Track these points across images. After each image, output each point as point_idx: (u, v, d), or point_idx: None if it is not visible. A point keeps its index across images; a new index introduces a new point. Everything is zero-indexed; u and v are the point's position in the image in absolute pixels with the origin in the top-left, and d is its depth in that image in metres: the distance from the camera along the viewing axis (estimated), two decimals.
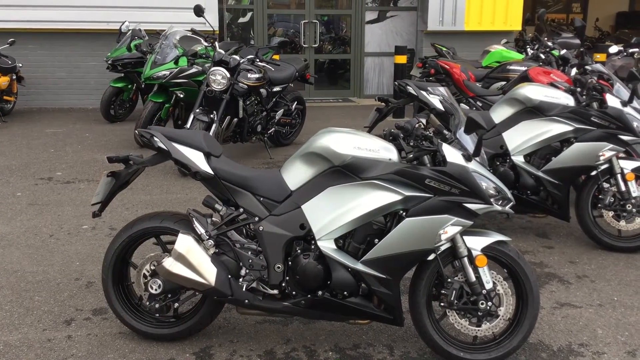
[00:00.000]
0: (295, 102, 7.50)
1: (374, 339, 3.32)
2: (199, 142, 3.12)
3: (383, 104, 5.30)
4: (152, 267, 3.19)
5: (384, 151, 2.95)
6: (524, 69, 6.46)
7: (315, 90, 11.57)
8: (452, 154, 2.92)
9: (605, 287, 3.98)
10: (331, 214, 2.95)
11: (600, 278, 4.10)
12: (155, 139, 3.10)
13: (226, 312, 3.55)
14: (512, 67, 6.72)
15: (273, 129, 7.16)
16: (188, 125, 6.13)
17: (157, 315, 3.26)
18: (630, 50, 9.27)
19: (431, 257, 2.98)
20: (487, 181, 2.97)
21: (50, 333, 3.36)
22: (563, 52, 6.69)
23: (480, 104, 6.22)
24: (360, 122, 8.81)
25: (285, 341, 3.30)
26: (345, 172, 2.94)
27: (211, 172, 3.07)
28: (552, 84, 4.90)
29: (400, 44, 10.56)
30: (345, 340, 3.31)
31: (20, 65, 9.33)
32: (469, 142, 3.01)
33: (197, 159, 3.09)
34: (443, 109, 4.31)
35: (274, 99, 7.07)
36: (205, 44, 6.75)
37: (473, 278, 2.97)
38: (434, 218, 2.88)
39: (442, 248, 2.98)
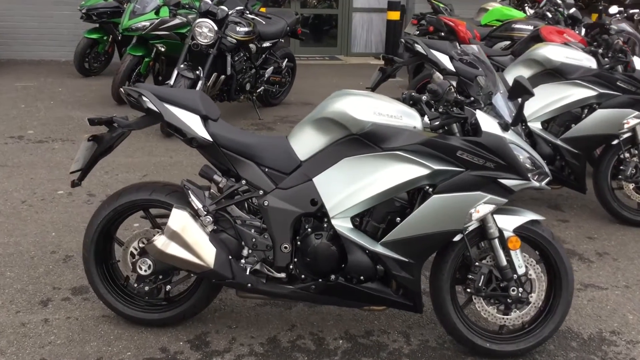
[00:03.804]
0: (286, 60, 7.03)
1: (388, 325, 3.01)
2: (195, 104, 2.72)
3: (387, 62, 4.90)
4: (141, 245, 2.82)
5: (406, 118, 2.59)
6: (530, 27, 6.10)
7: (300, 47, 11.04)
8: (487, 123, 2.57)
9: (629, 266, 3.71)
10: (347, 189, 2.59)
11: (623, 256, 3.83)
12: (145, 98, 2.69)
13: (223, 292, 3.19)
14: (517, 26, 6.34)
15: (262, 87, 6.71)
16: (172, 82, 5.66)
17: (147, 298, 2.90)
18: (631, 12, 8.90)
19: (457, 237, 2.66)
20: (523, 153, 2.63)
21: (25, 316, 2.98)
22: (572, 10, 6.30)
23: None
24: (350, 81, 8.38)
25: (289, 327, 2.97)
26: (364, 141, 2.57)
27: (210, 138, 2.68)
28: (567, 45, 4.54)
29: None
30: (355, 326, 2.99)
31: None
32: (504, 108, 2.66)
33: (194, 123, 2.69)
34: (454, 70, 3.94)
35: (264, 56, 6.61)
36: None
37: (504, 262, 2.66)
38: (465, 195, 2.54)
39: (470, 228, 2.65)
